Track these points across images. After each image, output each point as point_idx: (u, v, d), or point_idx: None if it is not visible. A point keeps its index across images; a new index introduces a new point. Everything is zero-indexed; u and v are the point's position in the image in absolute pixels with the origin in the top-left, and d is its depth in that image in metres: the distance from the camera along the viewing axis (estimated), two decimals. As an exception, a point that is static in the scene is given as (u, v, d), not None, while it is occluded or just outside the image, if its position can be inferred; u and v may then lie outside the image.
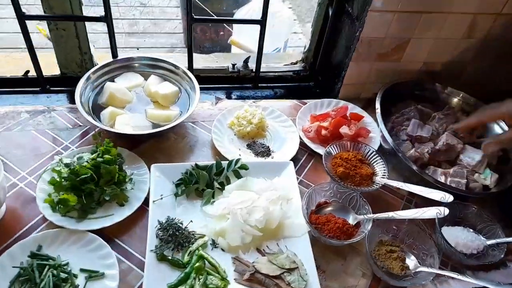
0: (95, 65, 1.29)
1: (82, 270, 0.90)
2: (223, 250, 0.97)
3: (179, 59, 1.37)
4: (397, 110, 1.30)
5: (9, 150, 1.11)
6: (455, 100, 1.33)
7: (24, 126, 1.18)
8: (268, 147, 1.21)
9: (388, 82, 1.32)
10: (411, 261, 0.98)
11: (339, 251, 1.01)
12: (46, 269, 0.86)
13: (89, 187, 0.97)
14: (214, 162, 1.09)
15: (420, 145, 1.18)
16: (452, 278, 0.94)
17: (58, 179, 0.97)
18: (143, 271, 0.89)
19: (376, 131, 1.29)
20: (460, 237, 1.02)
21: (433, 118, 1.27)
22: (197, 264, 0.91)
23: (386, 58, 1.34)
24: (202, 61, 1.56)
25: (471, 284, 0.93)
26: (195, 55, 1.50)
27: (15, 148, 1.12)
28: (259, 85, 1.51)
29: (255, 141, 1.23)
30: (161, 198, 1.02)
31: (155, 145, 1.18)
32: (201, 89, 1.43)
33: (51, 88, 1.35)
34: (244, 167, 1.09)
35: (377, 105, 1.21)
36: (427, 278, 0.92)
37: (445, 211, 0.91)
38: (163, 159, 1.15)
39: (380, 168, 1.13)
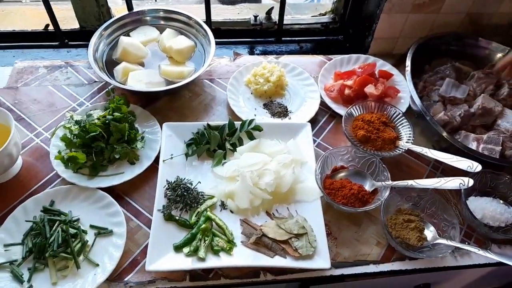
0: (112, 18, 1.25)
1: (91, 227, 0.91)
2: (232, 212, 0.95)
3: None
4: (432, 68, 1.18)
5: (26, 106, 1.12)
6: (501, 57, 1.19)
7: (42, 81, 1.18)
8: (286, 107, 1.15)
9: (424, 36, 1.19)
10: (429, 232, 0.92)
11: (353, 218, 0.97)
12: (56, 225, 0.88)
13: (99, 145, 0.96)
14: (227, 122, 1.05)
15: (453, 108, 1.07)
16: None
17: (69, 136, 0.97)
18: (150, 229, 0.90)
19: (406, 91, 1.19)
20: (487, 209, 0.94)
21: (471, 77, 1.14)
22: (203, 226, 0.90)
23: (423, 9, 1.20)
24: (225, 12, 1.48)
25: (493, 260, 0.86)
26: (219, 6, 1.43)
27: (32, 103, 1.13)
28: (283, 38, 1.42)
29: (273, 101, 1.16)
30: (171, 158, 1.00)
31: (169, 103, 1.15)
32: (221, 43, 1.38)
33: (70, 43, 1.33)
34: (257, 128, 1.04)
35: (408, 62, 1.11)
36: (445, 251, 0.86)
37: (469, 182, 0.82)
38: (176, 117, 1.12)
39: (405, 131, 1.04)
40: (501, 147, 0.98)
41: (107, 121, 0.97)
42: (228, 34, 1.41)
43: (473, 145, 0.99)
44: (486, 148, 0.98)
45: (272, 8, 1.38)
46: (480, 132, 1.06)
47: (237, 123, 1.05)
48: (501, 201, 0.96)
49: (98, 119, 0.98)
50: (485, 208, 0.93)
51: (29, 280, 0.83)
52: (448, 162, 0.90)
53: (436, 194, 0.94)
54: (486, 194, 0.99)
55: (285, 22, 1.36)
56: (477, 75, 1.13)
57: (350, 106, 1.08)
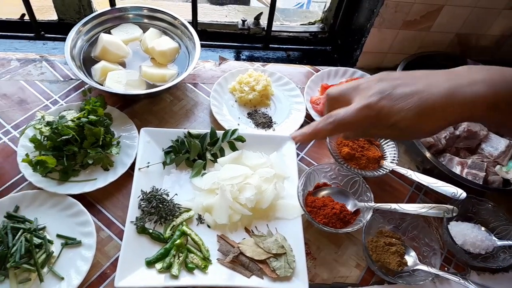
0: (94, 12, 1.18)
1: (58, 236, 0.86)
2: (209, 226, 0.91)
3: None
4: (419, 86, 1.17)
5: (-5, 101, 1.05)
6: (486, 79, 1.18)
7: (13, 75, 1.11)
8: (271, 117, 1.11)
9: (413, 53, 1.18)
10: (410, 258, 0.90)
11: (333, 238, 0.94)
12: (20, 233, 0.82)
13: (71, 149, 0.91)
14: (209, 130, 1.01)
15: (439, 129, 1.06)
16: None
17: (39, 138, 0.91)
18: (122, 242, 0.85)
19: (392, 107, 1.17)
20: (469, 235, 0.93)
21: (458, 98, 1.13)
22: (178, 241, 0.85)
23: (413, 26, 1.19)
24: (213, 13, 1.43)
25: (473, 289, 0.85)
26: (206, 5, 1.38)
27: (2, 99, 1.05)
28: (271, 45, 1.39)
29: (257, 110, 1.13)
30: (148, 166, 0.95)
31: (148, 106, 1.10)
32: (207, 46, 1.33)
33: (46, 35, 1.26)
34: (240, 139, 1.00)
35: (396, 80, 1.09)
36: (425, 278, 0.84)
37: (453, 211, 0.81)
38: (156, 122, 1.07)
39: (390, 151, 1.03)
40: (485, 173, 0.98)
41: (81, 124, 0.92)
42: (214, 37, 1.37)
43: (457, 169, 0.99)
44: (470, 173, 0.97)
45: (261, 13, 1.34)
46: (464, 154, 1.05)
47: (219, 133, 1.01)
48: (482, 228, 0.96)
49: (72, 121, 0.92)
50: (466, 234, 0.92)
51: (-14, 293, 0.77)
52: (432, 187, 0.89)
53: (418, 217, 0.93)
54: (467, 219, 0.98)
55: (273, 28, 1.33)
56: (463, 97, 1.12)
57: (336, 122, 1.05)
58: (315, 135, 0.62)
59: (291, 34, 1.41)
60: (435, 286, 0.90)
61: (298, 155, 1.06)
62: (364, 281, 0.90)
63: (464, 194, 0.85)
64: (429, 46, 1.24)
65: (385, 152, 1.03)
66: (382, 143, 1.05)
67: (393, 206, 0.88)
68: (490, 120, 0.56)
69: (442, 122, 0.55)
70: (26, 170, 0.90)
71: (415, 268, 0.88)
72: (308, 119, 1.13)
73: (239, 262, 0.86)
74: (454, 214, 0.81)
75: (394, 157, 1.00)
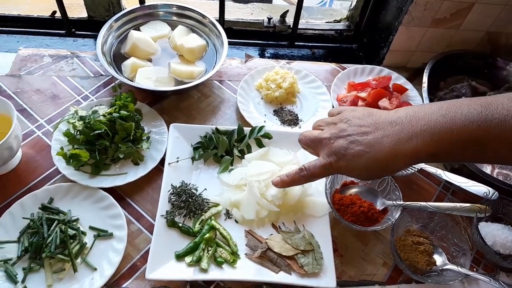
0: (123, 10, 1.20)
1: (91, 228, 0.88)
2: (236, 221, 0.92)
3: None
4: (447, 85, 1.16)
5: (29, 95, 1.08)
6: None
7: (46, 71, 1.14)
8: (297, 115, 1.12)
9: (441, 52, 1.17)
10: (439, 257, 0.89)
11: (361, 236, 0.94)
12: (54, 224, 0.84)
13: (103, 143, 0.93)
14: (236, 127, 1.01)
15: (468, 128, 1.05)
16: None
17: (72, 132, 0.93)
18: (152, 234, 0.86)
19: (419, 106, 1.16)
20: (499, 236, 0.92)
21: (487, 97, 1.12)
22: (207, 235, 0.87)
23: (443, 24, 1.18)
24: (237, 11, 1.44)
25: (503, 290, 0.84)
26: (230, 3, 1.38)
27: (35, 94, 1.08)
28: (296, 43, 1.39)
29: (283, 108, 1.13)
30: (177, 161, 0.96)
31: (176, 103, 1.11)
32: (231, 43, 1.34)
33: (77, 32, 1.29)
34: (267, 135, 1.01)
35: (424, 78, 1.08)
36: (454, 278, 0.83)
37: (487, 211, 0.80)
38: (183, 118, 1.08)
39: (418, 149, 1.02)
40: (516, 173, 0.96)
41: (113, 119, 0.94)
42: (239, 35, 1.38)
43: (487, 169, 0.97)
44: (501, 173, 0.96)
45: (287, 11, 1.34)
46: (494, 155, 1.04)
47: (246, 129, 1.02)
48: (513, 229, 0.94)
49: (104, 116, 0.94)
50: (496, 235, 0.91)
51: (23, 281, 0.79)
52: (463, 187, 0.88)
53: (446, 217, 0.92)
54: (497, 220, 0.96)
55: (299, 26, 1.33)
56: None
57: (363, 120, 1.05)
58: (292, 183, 0.78)
59: (316, 32, 1.41)
60: (463, 287, 0.89)
61: (324, 152, 1.06)
62: (391, 279, 0.89)
63: (496, 194, 0.84)
64: (458, 45, 1.23)
65: (413, 151, 1.02)
66: (410, 142, 1.04)
67: (423, 204, 0.87)
68: (434, 162, 0.65)
69: (391, 172, 0.69)
70: (60, 163, 0.93)
71: (444, 267, 0.87)
72: (335, 117, 1.13)
73: (267, 258, 0.86)
74: (487, 214, 0.80)
75: (423, 156, 0.99)
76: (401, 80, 1.22)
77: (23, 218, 0.86)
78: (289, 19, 1.36)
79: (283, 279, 0.83)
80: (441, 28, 1.19)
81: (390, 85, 1.17)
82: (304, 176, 0.73)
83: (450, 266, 0.86)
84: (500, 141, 0.56)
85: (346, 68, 1.25)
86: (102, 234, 0.87)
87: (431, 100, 1.05)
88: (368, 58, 1.38)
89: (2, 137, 0.83)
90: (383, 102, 1.10)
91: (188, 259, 0.84)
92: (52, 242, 0.82)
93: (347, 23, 1.43)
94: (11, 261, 0.81)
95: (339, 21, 1.44)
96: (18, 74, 1.12)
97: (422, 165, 0.97)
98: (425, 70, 1.09)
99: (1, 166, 0.91)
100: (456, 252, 0.89)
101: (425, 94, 1.04)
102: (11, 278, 0.79)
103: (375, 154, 0.63)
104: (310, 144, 0.73)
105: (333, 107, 1.13)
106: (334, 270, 0.84)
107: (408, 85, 1.21)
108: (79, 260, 0.83)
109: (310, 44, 1.41)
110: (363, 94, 1.12)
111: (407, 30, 1.19)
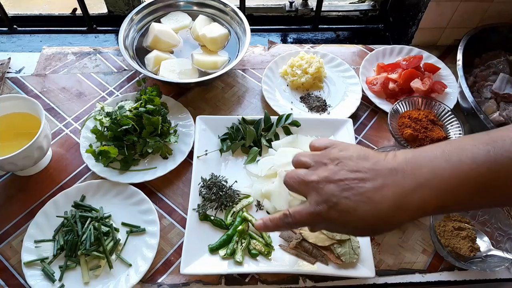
0: (143, 3, 1.19)
1: (123, 224, 0.88)
2: (268, 212, 0.90)
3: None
4: (482, 61, 1.10)
5: (55, 94, 1.08)
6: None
7: (70, 69, 1.14)
8: (325, 101, 1.08)
9: (474, 27, 1.11)
10: (483, 242, 0.85)
11: (397, 223, 0.91)
12: (88, 222, 0.85)
13: (131, 139, 0.92)
14: (262, 116, 0.99)
15: (508, 106, 0.99)
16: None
17: (100, 129, 0.93)
18: (185, 228, 0.85)
19: (453, 86, 1.11)
20: (546, 219, 0.87)
21: (528, 73, 1.05)
22: (240, 227, 0.85)
23: (476, -4, 1.11)
24: (257, -3, 1.41)
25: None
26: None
27: (61, 92, 1.09)
28: (320, 26, 1.34)
29: (310, 94, 1.10)
30: (206, 154, 0.95)
31: (201, 94, 1.10)
32: (253, 31, 1.30)
33: (98, 28, 1.28)
34: (295, 123, 0.98)
35: (459, 56, 1.02)
36: (501, 265, 0.79)
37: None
38: (209, 110, 1.07)
39: (454, 131, 0.97)
40: None
41: (139, 114, 0.93)
42: (260, 21, 1.34)
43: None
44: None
45: (309, -7, 1.30)
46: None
47: (273, 118, 0.99)
48: (561, 211, 0.89)
49: (130, 111, 0.94)
50: (544, 218, 0.86)
51: (60, 279, 0.80)
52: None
53: (489, 201, 0.87)
54: (543, 201, 0.91)
55: (322, 8, 1.28)
56: (534, 71, 1.04)
57: (396, 102, 1.00)
58: (276, 229, 0.66)
59: (340, 13, 1.36)
60: (509, 273, 0.85)
61: (355, 138, 1.02)
62: (432, 267, 0.86)
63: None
64: (492, 18, 1.16)
65: (449, 133, 0.98)
66: (446, 123, 0.99)
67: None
68: (441, 214, 0.59)
69: (392, 228, 0.57)
70: (89, 161, 0.93)
71: (488, 253, 0.83)
72: (365, 101, 1.09)
73: (302, 249, 0.84)
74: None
75: (460, 136, 0.94)
76: (432, 59, 1.16)
77: (57, 216, 0.86)
78: (311, 2, 1.32)
79: (320, 270, 0.81)
80: (474, 1, 1.12)
81: (421, 65, 1.12)
82: (289, 223, 0.61)
83: (495, 252, 0.82)
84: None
85: (373, 50, 1.20)
86: (134, 230, 0.87)
87: (466, 78, 0.99)
88: (395, 38, 1.32)
89: (32, 137, 0.83)
90: (415, 83, 1.05)
91: (222, 252, 0.83)
92: (87, 239, 0.82)
93: (372, 2, 1.37)
94: (47, 259, 0.82)
95: (363, 1, 1.39)
96: (43, 73, 1.12)
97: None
98: (459, 47, 1.03)
99: (32, 166, 0.91)
100: (501, 237, 0.85)
101: (460, 72, 0.99)
102: (49, 276, 0.80)
103: (375, 206, 0.53)
104: (297, 188, 0.61)
105: (362, 91, 1.08)
106: (372, 260, 0.82)
107: (440, 64, 1.15)
108: (113, 256, 0.83)
109: (334, 26, 1.37)
110: (393, 76, 1.08)
111: (438, 5, 1.13)
